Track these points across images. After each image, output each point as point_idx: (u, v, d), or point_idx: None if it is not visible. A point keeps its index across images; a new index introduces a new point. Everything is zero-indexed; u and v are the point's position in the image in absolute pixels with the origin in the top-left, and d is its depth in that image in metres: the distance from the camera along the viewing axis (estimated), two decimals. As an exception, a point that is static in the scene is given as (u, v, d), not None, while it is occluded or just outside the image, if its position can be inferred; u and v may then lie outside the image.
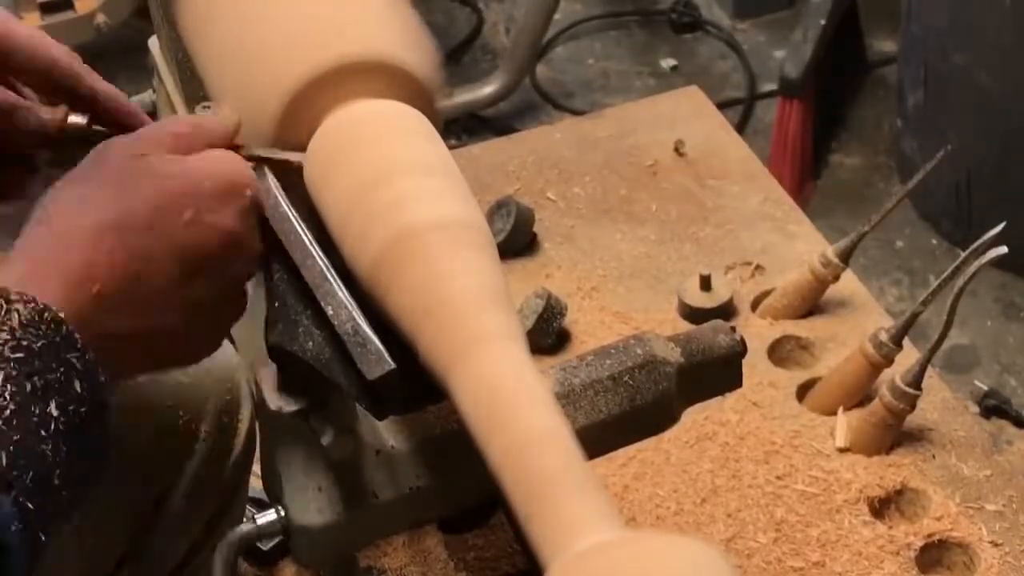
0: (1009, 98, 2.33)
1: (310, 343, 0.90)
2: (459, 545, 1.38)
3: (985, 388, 2.24)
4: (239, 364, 1.20)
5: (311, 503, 0.98)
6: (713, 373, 1.12)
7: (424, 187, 0.91)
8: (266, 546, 1.40)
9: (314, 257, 0.91)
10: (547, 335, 1.62)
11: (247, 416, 1.18)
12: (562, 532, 0.76)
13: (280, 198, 0.93)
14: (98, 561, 1.07)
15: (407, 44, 0.98)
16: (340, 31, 0.97)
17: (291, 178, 0.95)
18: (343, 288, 0.90)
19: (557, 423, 0.81)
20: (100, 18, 2.76)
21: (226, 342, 1.24)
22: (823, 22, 2.60)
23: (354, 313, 0.88)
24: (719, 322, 1.14)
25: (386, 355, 0.86)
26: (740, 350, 1.13)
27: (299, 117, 0.95)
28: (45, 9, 2.77)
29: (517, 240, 1.75)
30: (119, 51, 3.02)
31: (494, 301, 0.86)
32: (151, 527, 1.10)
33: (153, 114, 1.72)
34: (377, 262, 0.88)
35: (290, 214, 0.93)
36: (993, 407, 2.22)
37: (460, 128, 2.79)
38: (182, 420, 1.13)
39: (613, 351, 1.09)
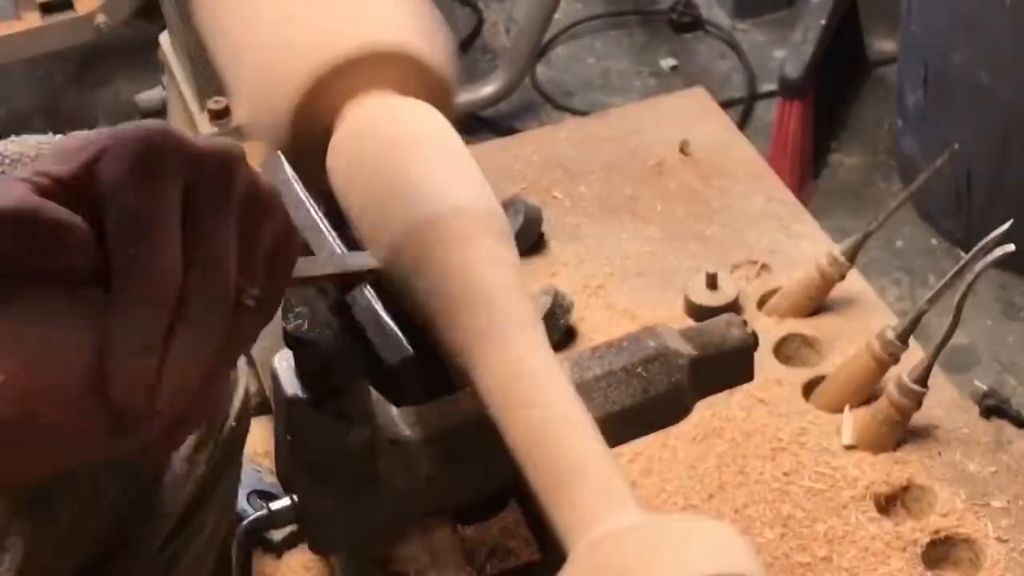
0: (1009, 98, 2.33)
1: (327, 330, 0.90)
2: (471, 535, 1.38)
3: (985, 388, 2.24)
4: None
5: (325, 491, 0.98)
6: (725, 366, 1.12)
7: (441, 176, 0.91)
8: (276, 538, 1.41)
9: (330, 243, 0.91)
10: (554, 332, 1.61)
11: (242, 385, 1.18)
12: (586, 515, 0.76)
13: (296, 184, 0.94)
14: (98, 520, 1.07)
15: (423, 33, 0.98)
16: (356, 21, 0.97)
17: (306, 163, 0.95)
18: (360, 276, 0.90)
19: (578, 408, 0.82)
20: (100, 18, 2.75)
21: None
22: (823, 22, 2.60)
23: (371, 300, 0.89)
24: (731, 315, 1.14)
25: (404, 341, 0.86)
26: (752, 343, 1.12)
27: (316, 108, 0.95)
28: (45, 9, 2.77)
29: (526, 240, 1.75)
30: (119, 51, 3.02)
31: (513, 288, 0.86)
32: (151, 488, 1.10)
33: (163, 112, 1.72)
34: (395, 250, 0.88)
35: (305, 201, 0.93)
36: (993, 407, 2.21)
37: (460, 128, 2.79)
38: None
39: (625, 343, 1.09)
